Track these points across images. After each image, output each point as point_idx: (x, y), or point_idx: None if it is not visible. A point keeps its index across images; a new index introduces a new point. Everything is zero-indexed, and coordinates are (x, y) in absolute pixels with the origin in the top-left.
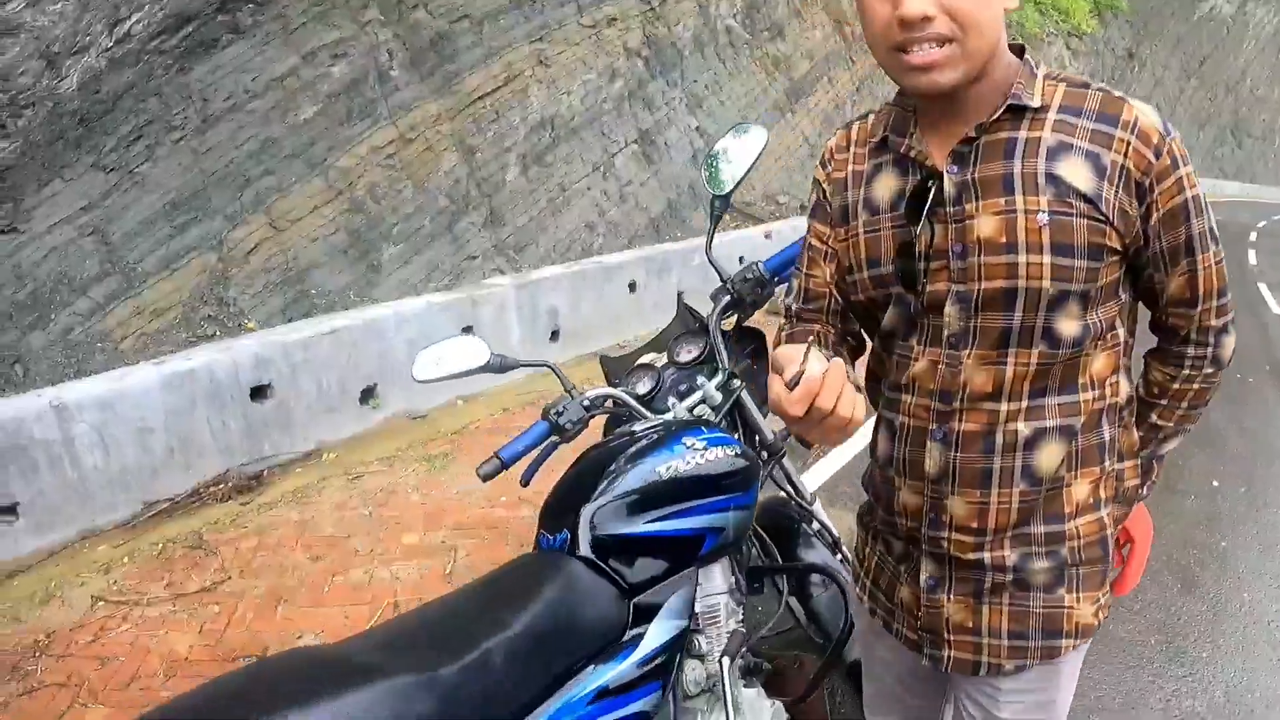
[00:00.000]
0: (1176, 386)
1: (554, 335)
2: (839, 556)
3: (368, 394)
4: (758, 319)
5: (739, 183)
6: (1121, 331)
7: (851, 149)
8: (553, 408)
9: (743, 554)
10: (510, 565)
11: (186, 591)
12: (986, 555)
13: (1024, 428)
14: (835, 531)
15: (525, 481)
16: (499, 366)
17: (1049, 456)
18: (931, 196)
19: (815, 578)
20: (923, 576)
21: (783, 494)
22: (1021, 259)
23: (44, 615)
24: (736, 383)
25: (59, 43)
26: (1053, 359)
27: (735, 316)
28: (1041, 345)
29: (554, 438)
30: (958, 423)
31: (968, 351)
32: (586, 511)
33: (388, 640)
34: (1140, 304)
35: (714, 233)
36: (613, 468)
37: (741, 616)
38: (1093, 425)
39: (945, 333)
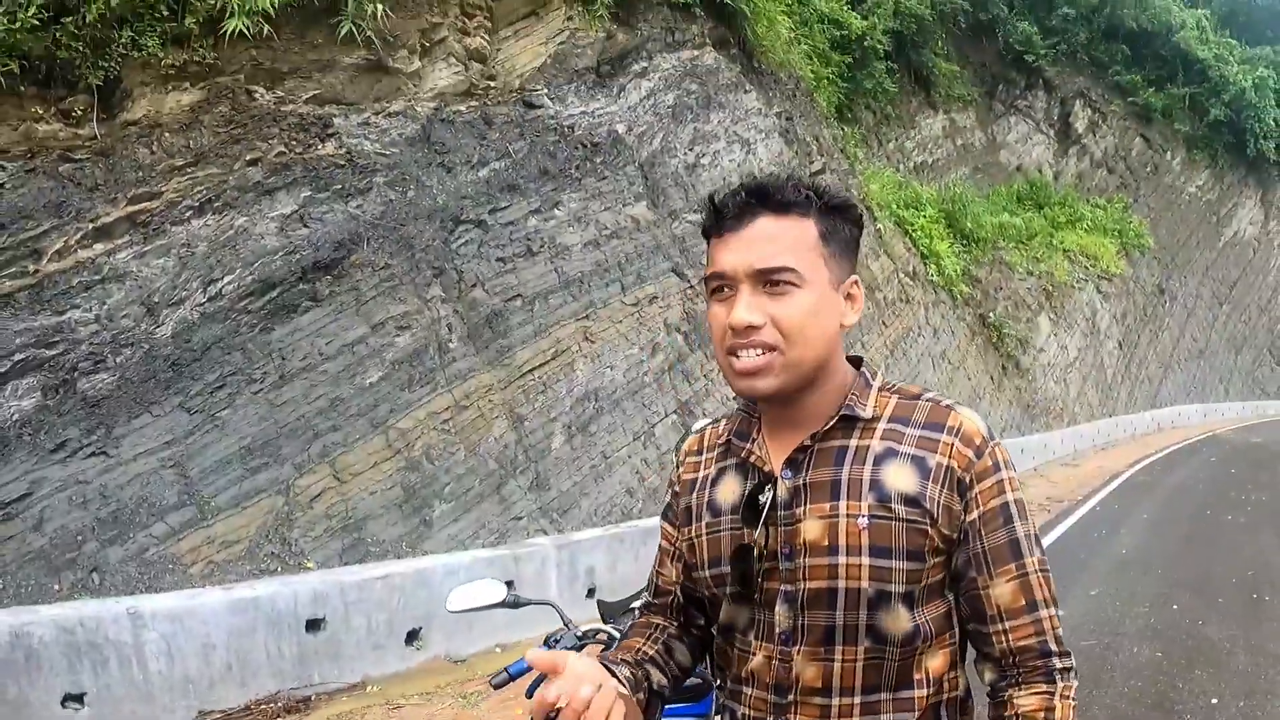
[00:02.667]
0: (1053, 705)
1: (590, 592)
2: None
3: (413, 635)
4: None
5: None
6: (954, 632)
7: (703, 453)
8: (552, 636)
9: None
10: None
11: None
12: None
13: None
14: None
15: (529, 694)
16: (513, 603)
17: None
18: (766, 499)
19: None
20: None
21: None
22: (841, 560)
23: None
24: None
25: (159, 294)
26: (881, 655)
27: None
28: (867, 642)
29: None
30: (793, 716)
31: (797, 648)
32: None
33: None
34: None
35: None
36: None
37: None
38: (932, 718)
39: (777, 629)
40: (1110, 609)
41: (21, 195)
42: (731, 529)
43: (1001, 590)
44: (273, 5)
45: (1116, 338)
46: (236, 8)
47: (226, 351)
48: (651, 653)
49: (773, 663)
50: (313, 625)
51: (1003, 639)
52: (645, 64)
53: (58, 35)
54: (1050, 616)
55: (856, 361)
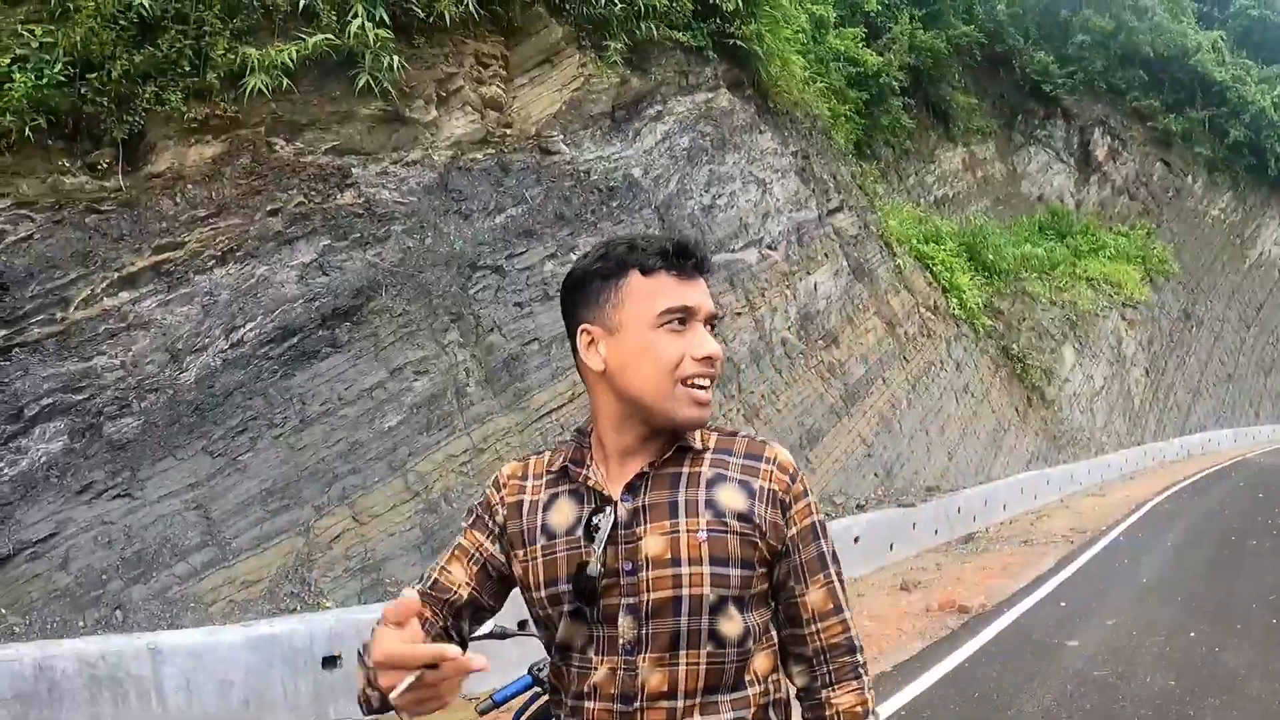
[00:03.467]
0: (866, 698)
1: None
2: None
3: None
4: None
5: None
6: (774, 636)
7: (529, 479)
8: (535, 665)
9: None
10: None
11: None
12: None
13: None
14: None
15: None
16: (500, 634)
17: None
18: (607, 522)
19: None
20: None
21: None
22: (685, 570)
23: None
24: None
25: (183, 341)
26: (721, 658)
27: None
28: (709, 645)
29: (535, 689)
30: None
31: (642, 656)
32: None
33: None
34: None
35: None
36: None
37: None
38: (761, 717)
39: (620, 641)
40: (1126, 639)
41: (49, 245)
42: (569, 550)
43: (815, 596)
44: (292, 60)
45: (1143, 365)
46: (256, 64)
47: (248, 396)
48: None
49: (618, 674)
50: (329, 662)
51: (817, 638)
52: (660, 108)
53: (83, 91)
54: (850, 618)
55: None
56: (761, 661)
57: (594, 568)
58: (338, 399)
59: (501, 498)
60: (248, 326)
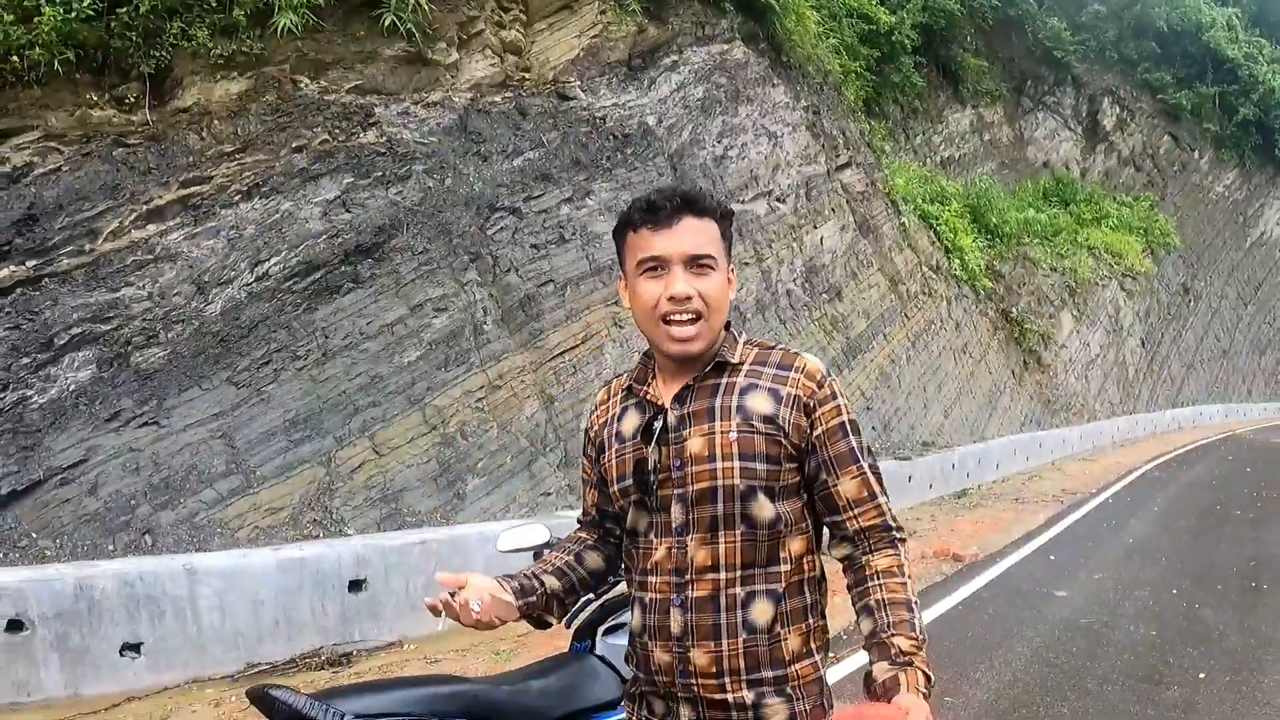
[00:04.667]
0: (902, 561)
1: None
2: None
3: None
4: None
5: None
6: (809, 524)
7: (610, 399)
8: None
9: None
10: (556, 655)
11: None
12: (729, 696)
13: (740, 591)
14: None
15: (568, 624)
16: (555, 545)
17: (761, 613)
18: (660, 426)
19: None
20: None
21: None
22: (719, 465)
23: None
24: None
25: (209, 273)
26: (754, 538)
27: None
28: (742, 527)
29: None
30: (690, 591)
31: (690, 537)
32: (600, 633)
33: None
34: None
35: None
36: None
37: None
38: (795, 592)
39: (673, 525)
40: (1112, 592)
41: (78, 178)
42: (634, 451)
43: (847, 486)
44: None
45: (1139, 336)
46: (284, 2)
47: (272, 329)
48: (559, 564)
49: (672, 551)
50: (355, 586)
51: (854, 522)
52: (675, 58)
53: (111, 25)
54: (886, 503)
55: (726, 325)
56: (795, 544)
57: (651, 463)
58: (359, 333)
59: (593, 420)
60: (272, 261)
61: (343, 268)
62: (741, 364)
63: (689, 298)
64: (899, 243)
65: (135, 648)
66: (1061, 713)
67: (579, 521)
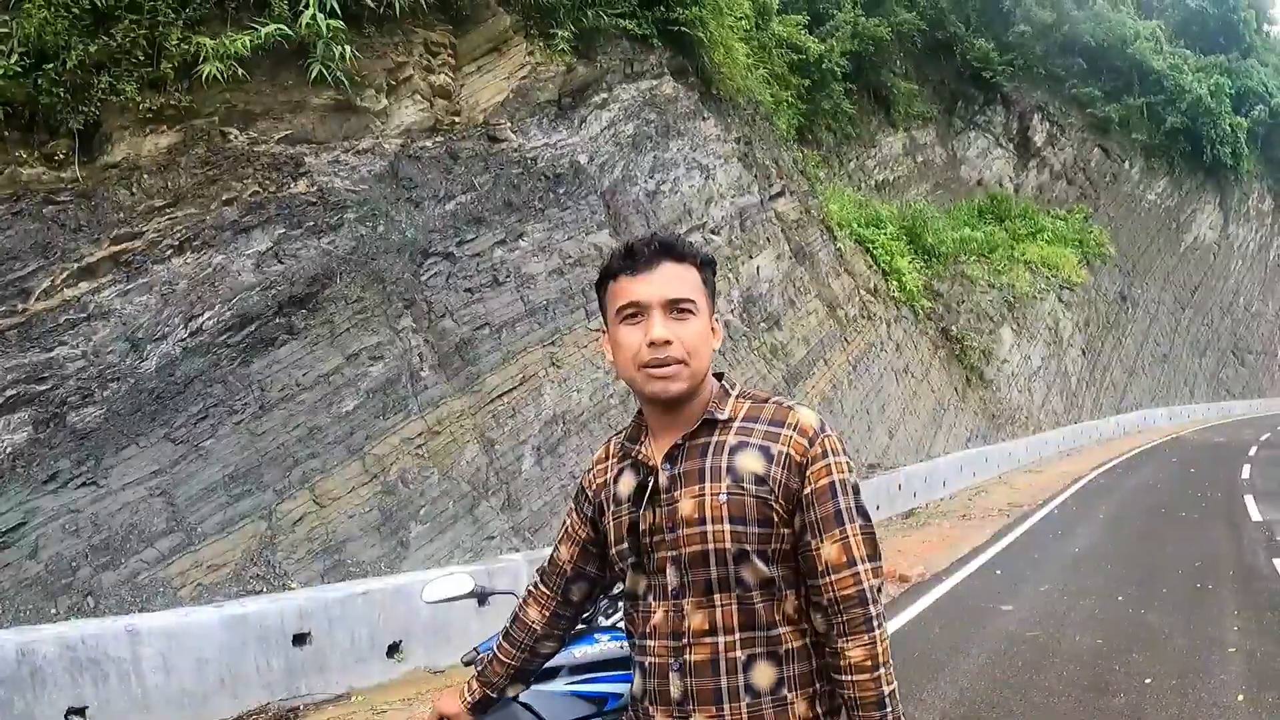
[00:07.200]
0: (876, 652)
1: None
2: None
3: (394, 648)
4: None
5: None
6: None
7: (609, 459)
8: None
9: None
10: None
11: None
12: None
13: (740, 654)
14: None
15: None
16: (481, 593)
17: (763, 676)
18: (651, 487)
19: None
20: None
21: None
22: (709, 528)
23: None
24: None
25: (143, 330)
26: (750, 601)
27: None
28: (737, 590)
29: None
30: (689, 655)
31: (686, 600)
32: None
33: None
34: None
35: None
36: None
37: None
38: (802, 655)
39: (669, 588)
40: (1058, 603)
41: (9, 237)
42: (629, 513)
43: (829, 550)
44: (245, 49)
45: (1080, 346)
46: (210, 52)
47: (208, 384)
48: (518, 665)
49: (669, 615)
50: (299, 640)
51: (830, 589)
52: (605, 95)
53: (39, 81)
54: (865, 570)
55: (719, 376)
56: (791, 607)
57: (643, 526)
58: (296, 385)
59: (591, 479)
60: (206, 315)
61: (277, 319)
62: (732, 420)
63: (668, 342)
64: (835, 268)
65: (80, 712)
66: None
67: (538, 573)
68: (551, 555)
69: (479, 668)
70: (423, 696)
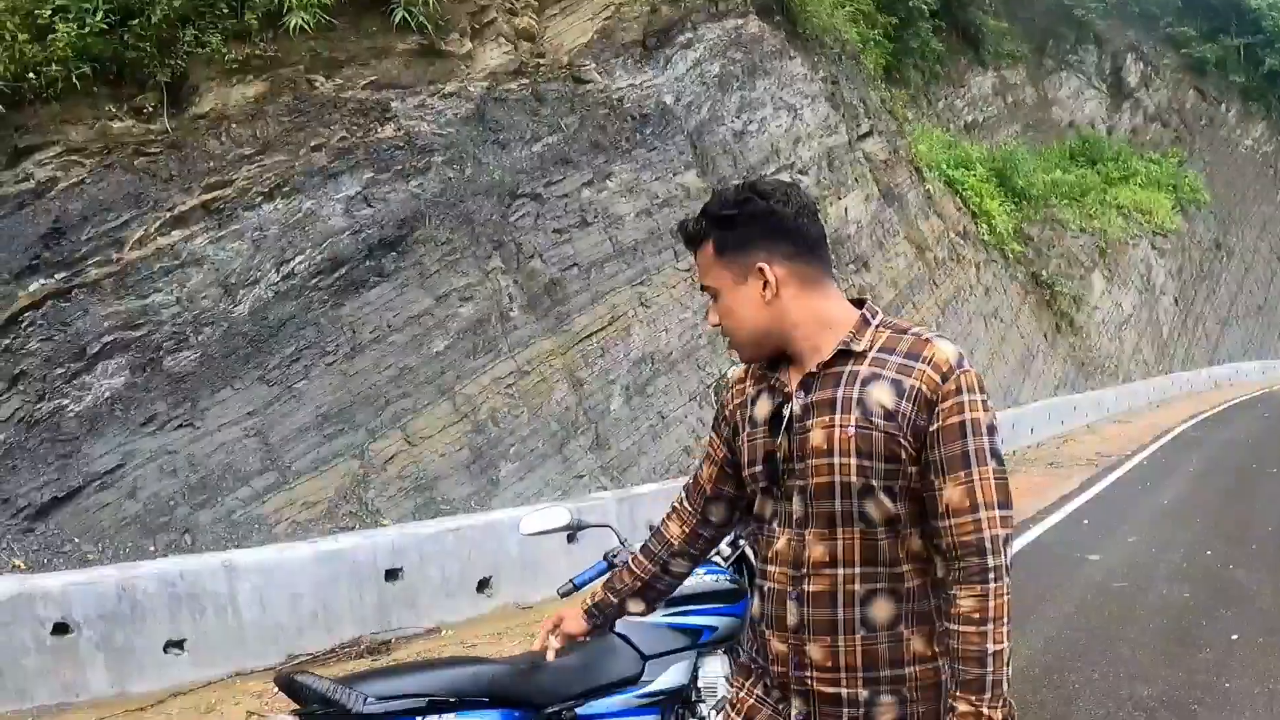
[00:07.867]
0: (987, 604)
1: None
2: None
3: (484, 584)
4: None
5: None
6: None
7: (748, 380)
8: (610, 553)
9: (736, 650)
10: None
11: None
12: (843, 691)
13: (859, 588)
14: None
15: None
16: (577, 525)
17: (881, 611)
18: (786, 414)
19: None
20: (792, 713)
21: None
22: (836, 460)
23: None
24: (741, 542)
25: (235, 275)
26: (873, 537)
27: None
28: (860, 525)
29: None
30: (807, 585)
31: (809, 530)
32: None
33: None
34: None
35: None
36: None
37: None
38: (922, 594)
39: (794, 516)
40: (1145, 555)
41: (101, 189)
42: (764, 438)
43: (951, 492)
44: None
45: (1172, 294)
46: (295, 2)
47: (300, 327)
48: (646, 577)
49: (791, 543)
50: (391, 575)
51: (949, 534)
52: (690, 35)
53: (125, 37)
54: (990, 518)
55: (860, 303)
56: (916, 544)
57: (776, 454)
58: (386, 326)
59: (730, 398)
60: (297, 259)
61: (367, 262)
62: (867, 351)
63: (716, 324)
64: (924, 210)
65: (179, 644)
66: (1091, 677)
67: (684, 489)
68: (695, 474)
69: (606, 578)
70: (511, 631)
